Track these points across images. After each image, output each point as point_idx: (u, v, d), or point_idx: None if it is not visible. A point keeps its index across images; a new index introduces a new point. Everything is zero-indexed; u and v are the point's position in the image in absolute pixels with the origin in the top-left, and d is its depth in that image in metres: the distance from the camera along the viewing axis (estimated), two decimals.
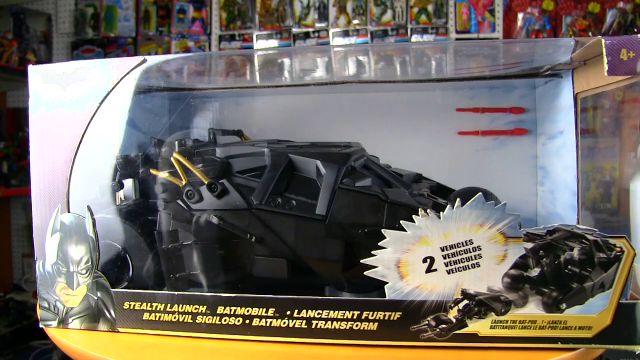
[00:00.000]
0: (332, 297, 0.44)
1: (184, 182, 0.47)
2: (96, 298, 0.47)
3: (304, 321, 0.44)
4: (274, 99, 0.71)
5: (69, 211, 0.47)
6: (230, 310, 0.45)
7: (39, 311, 0.48)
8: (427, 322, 0.42)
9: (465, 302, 0.42)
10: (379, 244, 0.42)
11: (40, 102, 0.47)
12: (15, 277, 2.18)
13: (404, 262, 0.42)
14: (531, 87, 0.67)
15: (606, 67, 0.40)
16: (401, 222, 0.42)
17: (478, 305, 0.42)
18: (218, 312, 0.45)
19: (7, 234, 2.14)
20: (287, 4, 2.02)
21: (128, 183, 0.50)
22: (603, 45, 0.40)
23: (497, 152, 0.68)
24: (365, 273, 0.42)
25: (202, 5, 2.15)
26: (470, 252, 0.42)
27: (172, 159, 0.47)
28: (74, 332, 0.47)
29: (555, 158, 0.61)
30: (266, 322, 0.44)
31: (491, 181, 0.66)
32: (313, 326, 0.44)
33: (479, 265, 0.42)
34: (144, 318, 0.46)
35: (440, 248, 0.42)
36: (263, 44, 1.95)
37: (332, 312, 0.43)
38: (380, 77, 0.68)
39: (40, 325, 0.48)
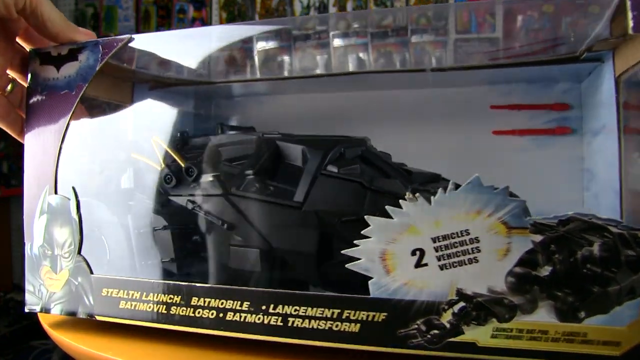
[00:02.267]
0: (310, 293, 0.39)
1: (162, 166, 0.45)
2: (77, 283, 0.45)
3: (280, 318, 0.39)
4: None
5: (56, 192, 0.46)
6: (205, 302, 0.41)
7: (25, 295, 0.48)
8: (416, 326, 0.36)
9: (462, 304, 0.36)
10: (362, 232, 0.37)
11: (37, 84, 0.47)
12: (15, 277, 2.21)
13: (390, 254, 0.37)
14: (576, 80, 0.60)
15: (630, 23, 0.34)
16: (387, 207, 0.37)
17: (477, 309, 0.35)
18: (192, 303, 0.42)
19: (7, 234, 2.18)
20: (287, 4, 2.01)
21: None
22: None
23: (538, 154, 0.61)
24: (347, 266, 0.37)
25: (202, 5, 2.18)
26: (466, 244, 0.35)
27: (152, 141, 0.45)
28: (56, 317, 0.46)
29: (598, 157, 0.52)
30: (240, 316, 0.40)
31: (531, 186, 0.59)
32: (289, 324, 0.39)
33: (477, 261, 0.35)
34: (120, 306, 0.44)
35: (432, 239, 0.36)
36: (263, 45, 1.95)
37: (309, 309, 0.39)
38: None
39: (26, 310, 0.47)
